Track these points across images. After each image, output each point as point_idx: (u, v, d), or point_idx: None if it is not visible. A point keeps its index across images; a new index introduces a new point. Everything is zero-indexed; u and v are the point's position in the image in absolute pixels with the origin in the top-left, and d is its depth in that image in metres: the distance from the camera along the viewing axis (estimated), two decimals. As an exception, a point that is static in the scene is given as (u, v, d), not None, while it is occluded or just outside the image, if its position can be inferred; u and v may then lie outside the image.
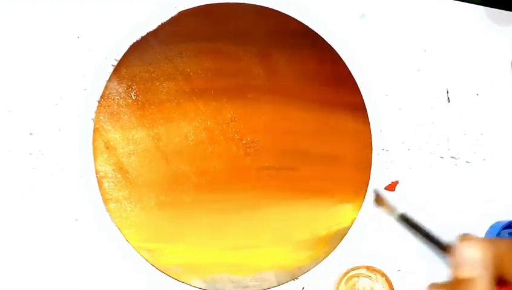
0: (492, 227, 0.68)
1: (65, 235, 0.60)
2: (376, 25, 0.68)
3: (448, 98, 0.69)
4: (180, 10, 0.64)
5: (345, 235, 0.65)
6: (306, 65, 0.66)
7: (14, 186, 0.60)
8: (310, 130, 0.66)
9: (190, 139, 0.63)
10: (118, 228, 0.61)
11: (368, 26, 0.68)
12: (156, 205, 0.62)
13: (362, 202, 0.66)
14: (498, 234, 0.66)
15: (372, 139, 0.67)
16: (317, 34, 0.67)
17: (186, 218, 0.62)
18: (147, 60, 0.63)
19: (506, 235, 0.68)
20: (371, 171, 0.67)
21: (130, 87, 0.63)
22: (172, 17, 0.64)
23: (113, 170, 0.61)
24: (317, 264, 0.64)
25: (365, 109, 0.67)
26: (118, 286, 0.61)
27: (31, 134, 0.61)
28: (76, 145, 0.61)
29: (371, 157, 0.67)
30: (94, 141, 0.61)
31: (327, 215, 0.65)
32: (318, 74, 0.66)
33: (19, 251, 0.60)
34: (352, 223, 0.66)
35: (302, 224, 0.65)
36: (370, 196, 0.66)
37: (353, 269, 0.64)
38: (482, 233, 0.68)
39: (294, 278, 0.64)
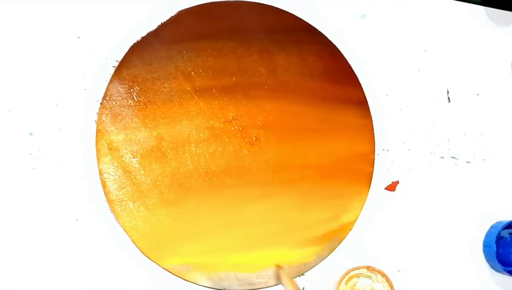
0: (492, 227, 0.68)
1: (65, 235, 0.60)
2: (376, 25, 0.68)
3: (449, 98, 0.69)
4: (179, 10, 0.64)
5: (350, 230, 0.65)
6: (307, 62, 0.66)
7: (14, 186, 0.60)
8: (312, 126, 0.66)
9: (193, 138, 0.63)
10: (123, 229, 0.61)
11: (369, 27, 0.68)
12: (161, 205, 0.62)
13: (365, 198, 0.66)
14: (499, 234, 0.66)
15: (372, 138, 0.67)
16: (317, 29, 0.66)
17: (191, 217, 0.62)
18: (148, 60, 0.63)
19: (507, 235, 0.68)
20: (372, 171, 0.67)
21: (132, 88, 0.62)
22: (172, 17, 0.64)
23: (117, 171, 0.61)
24: (322, 260, 0.64)
25: (367, 103, 0.67)
26: (124, 285, 0.61)
27: (31, 134, 0.61)
28: (76, 145, 0.61)
29: (374, 151, 0.67)
30: (97, 142, 0.61)
31: (330, 210, 0.65)
32: (319, 70, 0.66)
33: (19, 250, 0.59)
34: (356, 218, 0.65)
35: (306, 220, 0.64)
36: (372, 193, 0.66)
37: (353, 269, 0.64)
38: (482, 233, 0.68)
39: (300, 274, 0.64)
